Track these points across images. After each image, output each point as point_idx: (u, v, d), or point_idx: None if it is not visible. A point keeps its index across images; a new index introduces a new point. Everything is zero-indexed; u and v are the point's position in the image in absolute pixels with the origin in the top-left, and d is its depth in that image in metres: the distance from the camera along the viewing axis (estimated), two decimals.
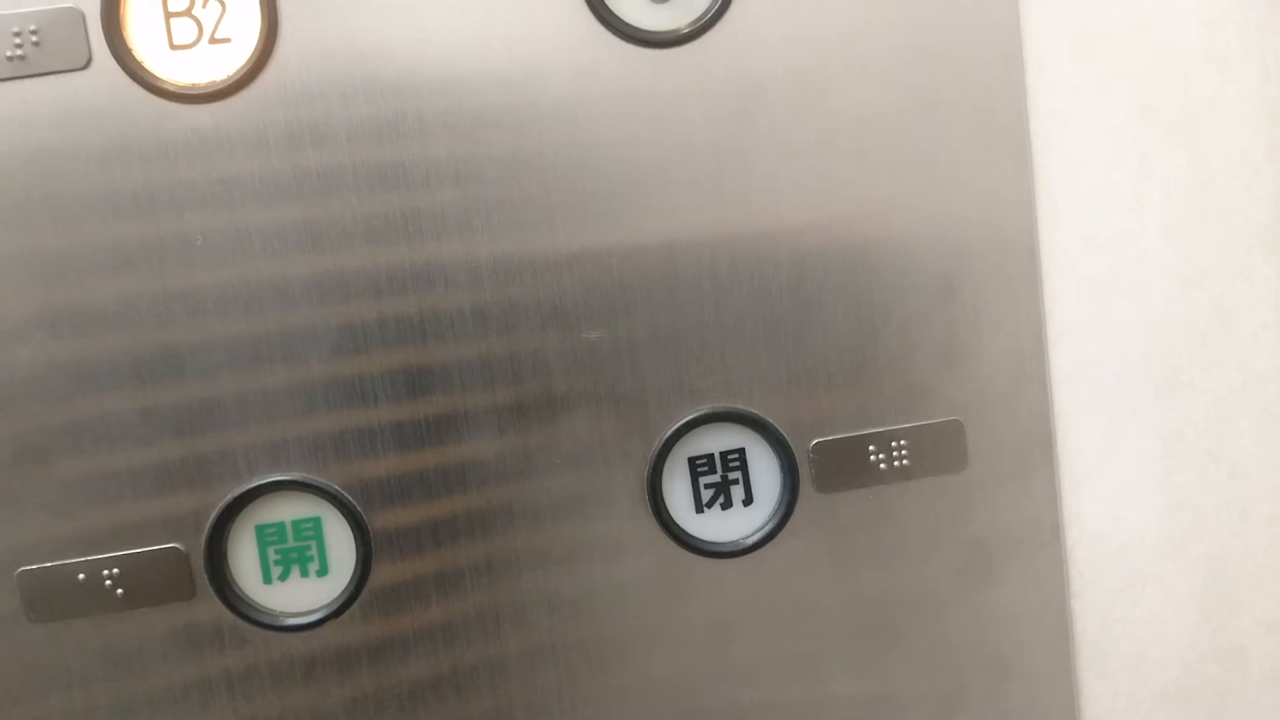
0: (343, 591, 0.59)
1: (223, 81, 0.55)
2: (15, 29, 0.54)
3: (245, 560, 0.58)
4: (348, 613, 0.59)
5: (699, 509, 0.60)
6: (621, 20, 0.56)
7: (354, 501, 0.58)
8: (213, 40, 0.55)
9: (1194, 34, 0.61)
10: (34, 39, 0.54)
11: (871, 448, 0.60)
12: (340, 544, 0.58)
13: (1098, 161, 0.61)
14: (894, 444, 0.60)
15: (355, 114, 0.56)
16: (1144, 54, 0.61)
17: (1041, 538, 0.62)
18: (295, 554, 0.58)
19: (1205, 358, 0.63)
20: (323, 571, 0.59)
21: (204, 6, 0.55)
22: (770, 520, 0.61)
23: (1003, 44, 0.59)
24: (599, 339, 0.58)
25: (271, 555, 0.58)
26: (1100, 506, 0.64)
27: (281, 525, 0.58)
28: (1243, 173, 0.62)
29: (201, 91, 0.55)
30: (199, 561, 0.57)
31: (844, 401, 0.60)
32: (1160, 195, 0.62)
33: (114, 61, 0.54)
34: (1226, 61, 0.61)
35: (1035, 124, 0.60)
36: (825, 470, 0.60)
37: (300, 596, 0.59)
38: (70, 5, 0.54)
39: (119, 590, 0.57)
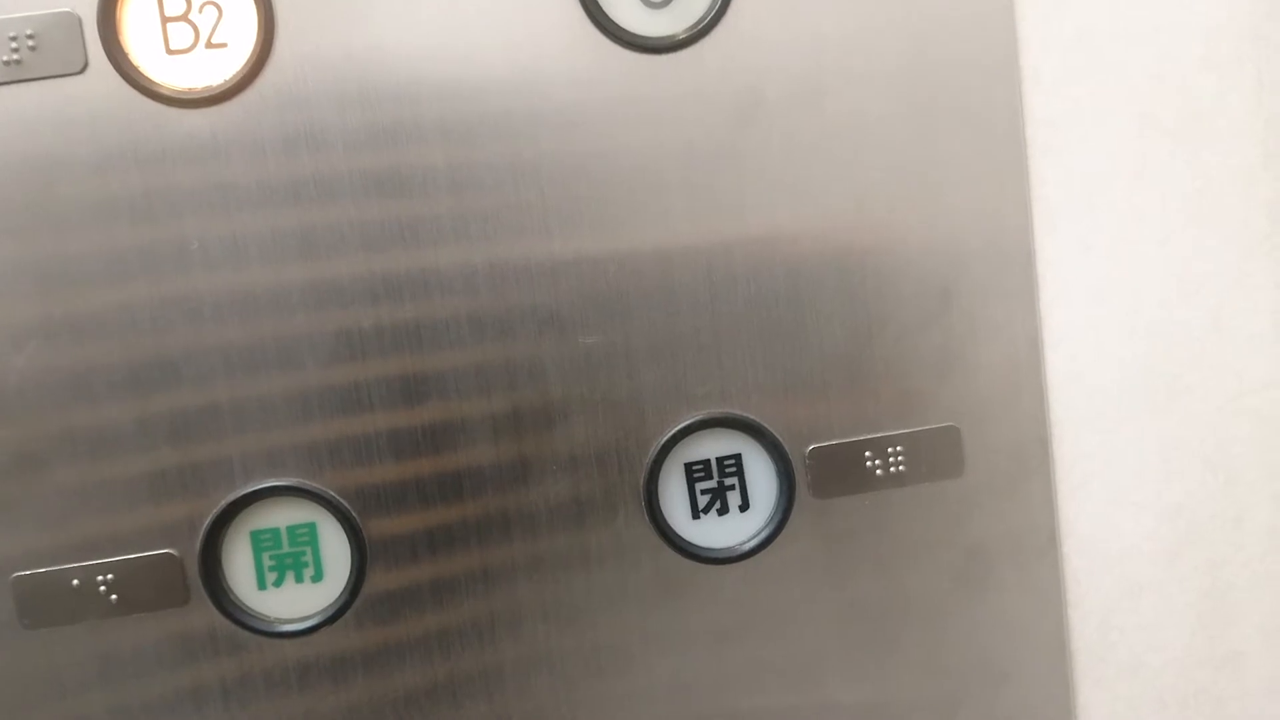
0: (338, 598, 0.58)
1: (219, 86, 0.55)
2: (11, 33, 0.54)
3: (240, 566, 0.58)
4: (343, 619, 0.58)
5: (695, 515, 0.60)
6: (618, 26, 0.57)
7: (349, 507, 0.58)
8: (209, 45, 0.55)
9: (1190, 42, 0.61)
10: (30, 43, 0.54)
11: (868, 454, 0.60)
12: (335, 550, 0.58)
13: (1094, 169, 0.61)
14: (890, 450, 0.60)
15: (352, 120, 0.56)
16: (1140, 62, 0.61)
17: (1038, 544, 0.62)
18: (290, 559, 0.58)
19: (1202, 365, 0.63)
20: (318, 577, 0.58)
21: (200, 12, 0.55)
22: (767, 526, 0.60)
23: (999, 52, 0.59)
24: (595, 343, 0.58)
25: (266, 561, 0.58)
26: (1097, 513, 0.64)
27: (276, 531, 0.58)
28: (1239, 180, 0.62)
29: (198, 96, 0.55)
30: (194, 567, 0.57)
31: (840, 407, 0.60)
32: (1157, 203, 0.62)
33: (110, 66, 0.54)
34: (1223, 70, 0.61)
35: (1031, 132, 0.60)
36: (822, 476, 0.60)
37: (295, 602, 0.58)
38: (67, 10, 0.54)
39: (113, 596, 0.57)
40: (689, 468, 0.60)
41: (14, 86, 0.54)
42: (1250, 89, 0.62)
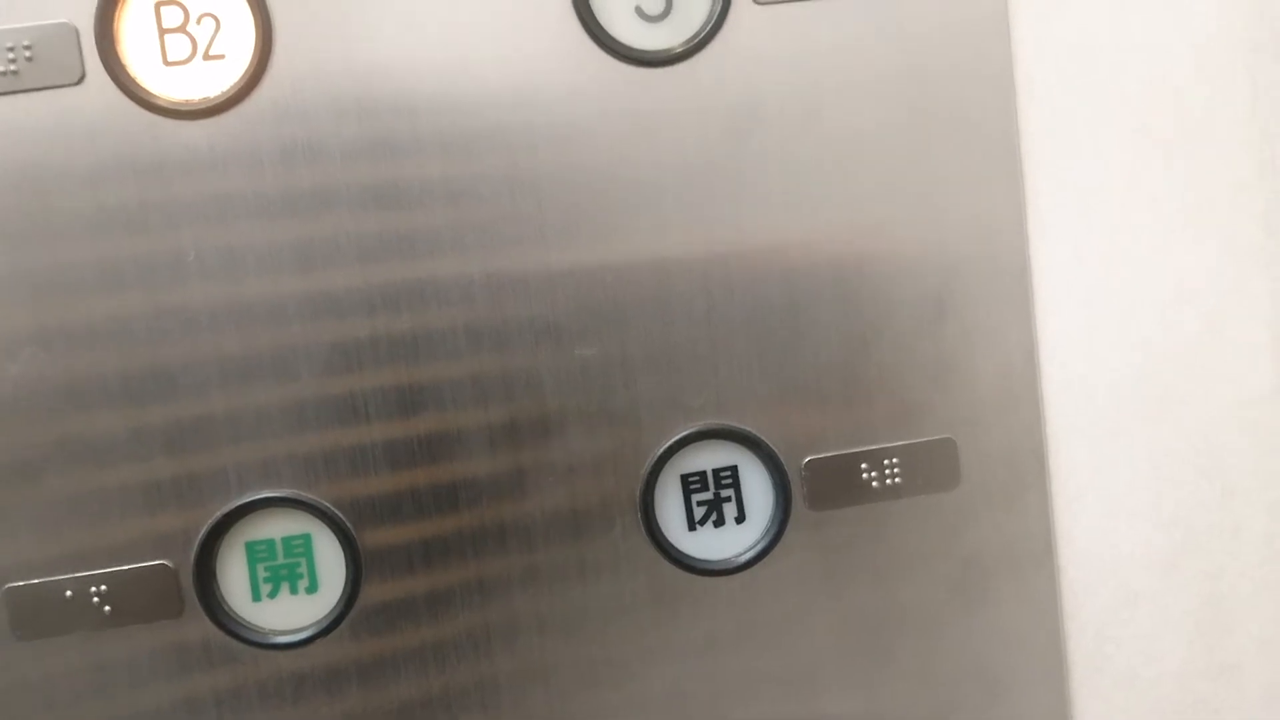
0: (332, 609, 0.58)
1: (216, 98, 0.55)
2: (9, 44, 0.54)
3: (234, 577, 0.58)
4: (337, 630, 0.58)
5: (691, 526, 0.60)
6: (615, 39, 0.57)
7: (344, 518, 0.58)
8: (207, 57, 0.55)
9: (1184, 52, 0.61)
10: (27, 54, 0.54)
11: (864, 465, 0.60)
12: (330, 561, 0.58)
13: (1089, 179, 0.61)
14: (886, 462, 0.60)
15: (349, 132, 0.56)
16: (1135, 72, 0.61)
17: (1034, 555, 0.62)
18: (285, 571, 0.58)
19: (1198, 375, 0.63)
20: (312, 589, 0.58)
21: (198, 23, 0.55)
22: (763, 538, 0.60)
23: (994, 63, 0.60)
24: (592, 354, 0.58)
25: (261, 572, 0.58)
26: (1093, 524, 0.63)
27: (271, 542, 0.58)
28: (1234, 190, 0.62)
29: (195, 108, 0.55)
30: (188, 578, 0.57)
31: (836, 419, 0.60)
32: (1151, 213, 0.62)
33: (107, 77, 0.54)
34: (1217, 80, 0.62)
35: (1026, 142, 0.61)
36: (817, 488, 0.60)
37: (290, 614, 0.58)
38: (64, 21, 0.54)
39: (107, 607, 0.57)
40: (685, 479, 0.60)
41: (10, 97, 0.54)
42: (1245, 99, 0.62)
